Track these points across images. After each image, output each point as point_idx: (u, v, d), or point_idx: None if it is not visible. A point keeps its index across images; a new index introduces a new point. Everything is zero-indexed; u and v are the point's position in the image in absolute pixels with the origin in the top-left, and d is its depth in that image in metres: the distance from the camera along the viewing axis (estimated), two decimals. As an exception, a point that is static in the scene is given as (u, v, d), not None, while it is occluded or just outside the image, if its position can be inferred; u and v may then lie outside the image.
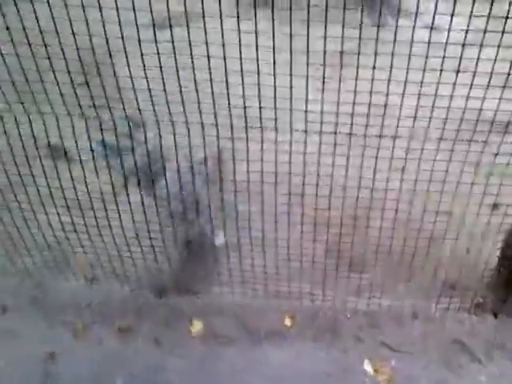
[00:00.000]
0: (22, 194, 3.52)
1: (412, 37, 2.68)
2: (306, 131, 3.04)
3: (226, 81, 2.83)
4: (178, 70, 2.83)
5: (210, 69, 2.79)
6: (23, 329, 3.82)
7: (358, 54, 2.75)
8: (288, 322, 3.75)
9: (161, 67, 2.80)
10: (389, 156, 3.14)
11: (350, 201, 3.32)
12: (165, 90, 2.90)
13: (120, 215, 3.50)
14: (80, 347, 3.74)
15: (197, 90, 2.90)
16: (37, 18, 2.67)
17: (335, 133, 3.04)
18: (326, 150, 3.13)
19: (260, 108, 2.91)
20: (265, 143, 3.11)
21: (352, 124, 3.01)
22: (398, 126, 3.02)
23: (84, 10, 2.62)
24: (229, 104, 2.94)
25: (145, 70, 2.80)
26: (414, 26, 2.67)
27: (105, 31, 2.66)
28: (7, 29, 2.73)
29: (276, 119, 2.98)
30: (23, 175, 3.41)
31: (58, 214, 3.58)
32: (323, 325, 3.74)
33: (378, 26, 2.70)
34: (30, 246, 3.88)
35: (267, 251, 3.59)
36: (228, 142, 3.07)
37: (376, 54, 2.75)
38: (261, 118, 2.98)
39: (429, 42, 2.75)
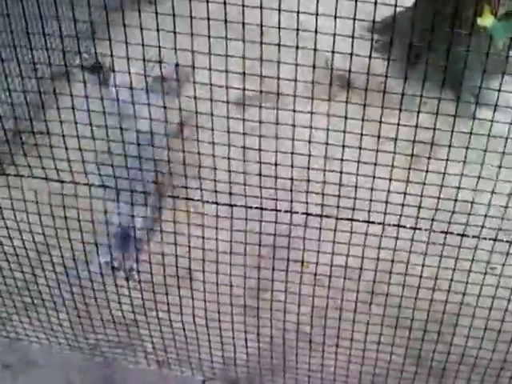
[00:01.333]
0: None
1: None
2: (383, 223, 2.88)
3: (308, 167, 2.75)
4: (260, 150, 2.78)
5: (292, 153, 2.73)
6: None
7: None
8: None
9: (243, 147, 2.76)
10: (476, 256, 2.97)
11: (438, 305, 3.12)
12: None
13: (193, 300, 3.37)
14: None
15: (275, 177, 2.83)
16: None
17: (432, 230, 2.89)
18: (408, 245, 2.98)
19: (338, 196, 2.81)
20: (339, 233, 2.96)
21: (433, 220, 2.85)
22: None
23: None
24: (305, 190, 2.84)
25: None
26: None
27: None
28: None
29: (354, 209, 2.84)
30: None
31: (130, 296, 3.50)
32: None
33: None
34: (104, 323, 3.81)
35: (351, 353, 3.38)
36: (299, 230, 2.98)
37: (467, 148, 2.64)
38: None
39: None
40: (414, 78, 2.55)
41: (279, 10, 2.33)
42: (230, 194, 2.88)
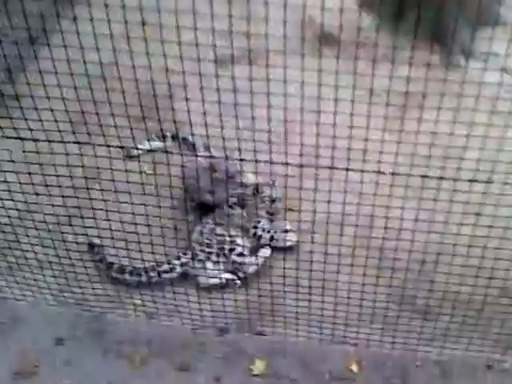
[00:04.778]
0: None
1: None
2: (362, 171, 2.96)
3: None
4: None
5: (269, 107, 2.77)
6: (80, 360, 3.74)
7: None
8: (354, 367, 3.59)
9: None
10: (463, 200, 3.07)
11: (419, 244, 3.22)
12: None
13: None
14: (137, 381, 3.63)
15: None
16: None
17: (409, 175, 2.97)
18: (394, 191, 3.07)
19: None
20: (334, 182, 3.04)
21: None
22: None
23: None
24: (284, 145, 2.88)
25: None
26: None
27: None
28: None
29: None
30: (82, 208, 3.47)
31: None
32: (392, 373, 3.58)
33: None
34: (91, 277, 3.86)
35: (337, 295, 3.45)
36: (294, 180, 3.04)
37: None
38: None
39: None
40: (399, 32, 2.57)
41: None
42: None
